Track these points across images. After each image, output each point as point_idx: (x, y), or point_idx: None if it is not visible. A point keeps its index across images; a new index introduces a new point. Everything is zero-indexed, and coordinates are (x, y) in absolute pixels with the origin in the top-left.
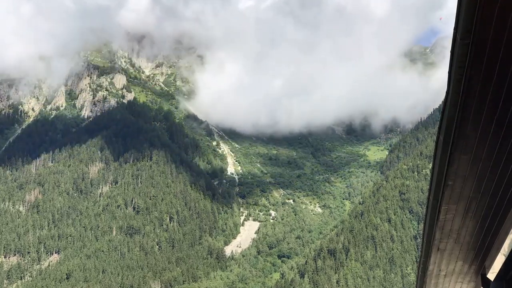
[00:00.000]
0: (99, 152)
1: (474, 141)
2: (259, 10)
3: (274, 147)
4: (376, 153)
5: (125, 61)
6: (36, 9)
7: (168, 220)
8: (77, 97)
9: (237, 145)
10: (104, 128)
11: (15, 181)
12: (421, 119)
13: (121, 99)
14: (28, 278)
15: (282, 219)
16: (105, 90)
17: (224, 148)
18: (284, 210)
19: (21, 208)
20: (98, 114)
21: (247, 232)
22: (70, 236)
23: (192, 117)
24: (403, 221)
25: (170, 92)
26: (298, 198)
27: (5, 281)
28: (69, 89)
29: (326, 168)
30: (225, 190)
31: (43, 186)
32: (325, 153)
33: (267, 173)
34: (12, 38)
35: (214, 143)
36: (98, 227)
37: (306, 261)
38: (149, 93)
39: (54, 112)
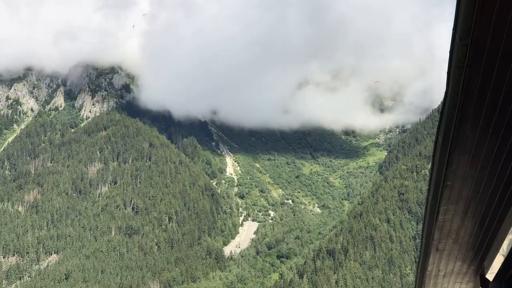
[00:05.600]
0: (98, 152)
1: (473, 142)
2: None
3: (273, 147)
4: (375, 153)
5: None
6: (39, 8)
7: (167, 220)
8: (76, 97)
9: (236, 145)
10: (103, 128)
11: (14, 181)
12: (420, 119)
13: (120, 99)
14: (27, 278)
15: (281, 220)
16: (104, 91)
17: (223, 148)
18: (283, 211)
19: (20, 208)
20: (97, 114)
21: (246, 233)
22: (69, 236)
23: (191, 117)
24: (402, 221)
25: None
26: (297, 198)
27: (4, 281)
28: (68, 89)
29: (325, 168)
30: (224, 190)
31: (42, 186)
32: (324, 153)
33: (266, 173)
34: (12, 37)
35: (213, 143)
36: (97, 228)
37: (305, 262)
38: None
39: (53, 112)
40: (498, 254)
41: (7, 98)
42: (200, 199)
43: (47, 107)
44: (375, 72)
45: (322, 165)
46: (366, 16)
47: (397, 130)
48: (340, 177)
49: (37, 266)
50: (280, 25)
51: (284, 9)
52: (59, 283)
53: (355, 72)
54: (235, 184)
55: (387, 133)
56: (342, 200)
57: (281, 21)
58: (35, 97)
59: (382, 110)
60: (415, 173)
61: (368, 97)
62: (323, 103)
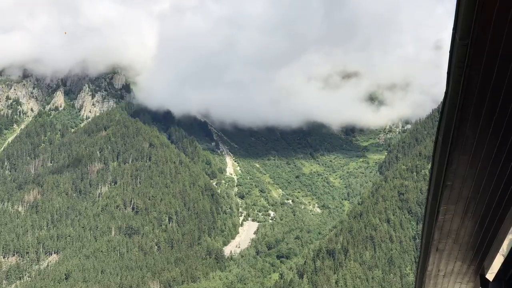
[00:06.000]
0: (98, 152)
1: (473, 141)
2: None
3: (273, 147)
4: (375, 153)
5: None
6: (38, 8)
7: (167, 220)
8: (76, 97)
9: (236, 145)
10: (103, 128)
11: (14, 181)
12: (420, 119)
13: (120, 99)
14: (27, 279)
15: (281, 220)
16: (104, 91)
17: (223, 148)
18: (283, 211)
19: (20, 209)
20: (97, 114)
21: (246, 233)
22: (69, 236)
23: (191, 117)
24: (402, 221)
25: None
26: (297, 198)
27: (4, 281)
28: (68, 89)
29: (325, 168)
30: (224, 190)
31: (42, 186)
32: (324, 153)
33: (266, 173)
34: (13, 37)
35: (213, 143)
36: (97, 228)
37: (305, 262)
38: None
39: (53, 112)
40: (498, 254)
41: (7, 98)
42: (200, 199)
43: (47, 107)
44: (381, 67)
45: (322, 165)
46: (374, 8)
47: (397, 130)
48: (340, 177)
49: (37, 266)
50: (283, 22)
51: (286, 8)
52: (59, 283)
53: (359, 67)
54: (235, 184)
55: (387, 133)
56: (342, 200)
57: (283, 18)
58: (35, 97)
59: (387, 105)
60: (415, 173)
61: (373, 92)
62: (326, 100)
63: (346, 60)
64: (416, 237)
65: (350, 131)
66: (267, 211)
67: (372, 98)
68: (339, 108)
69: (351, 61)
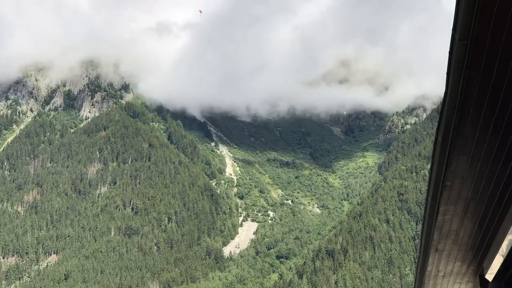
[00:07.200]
0: (97, 152)
1: (473, 142)
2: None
3: (272, 147)
4: (374, 153)
5: None
6: (38, 9)
7: (166, 220)
8: (76, 97)
9: (235, 146)
10: (102, 129)
11: (13, 182)
12: (419, 119)
13: (119, 100)
14: (27, 279)
15: (281, 220)
16: (104, 91)
17: (223, 149)
18: (282, 211)
19: (19, 209)
20: (97, 114)
21: (246, 233)
22: (69, 236)
23: (190, 117)
24: (401, 221)
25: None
26: (297, 198)
27: (3, 281)
28: (68, 90)
29: (325, 168)
30: (224, 190)
31: (41, 186)
32: (323, 154)
33: (265, 174)
34: (12, 38)
35: (213, 143)
36: (97, 228)
37: (305, 262)
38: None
39: (52, 113)
40: (498, 254)
41: (7, 98)
42: (199, 200)
43: (47, 108)
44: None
45: (322, 165)
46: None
47: (397, 131)
48: (339, 177)
49: (36, 266)
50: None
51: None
52: (59, 283)
53: (363, 60)
54: (235, 185)
55: (386, 134)
56: (342, 200)
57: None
58: (34, 97)
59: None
60: (414, 174)
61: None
62: (331, 96)
63: (350, 54)
64: (416, 237)
65: (350, 131)
66: (267, 211)
67: (378, 87)
68: (341, 100)
69: (355, 55)
